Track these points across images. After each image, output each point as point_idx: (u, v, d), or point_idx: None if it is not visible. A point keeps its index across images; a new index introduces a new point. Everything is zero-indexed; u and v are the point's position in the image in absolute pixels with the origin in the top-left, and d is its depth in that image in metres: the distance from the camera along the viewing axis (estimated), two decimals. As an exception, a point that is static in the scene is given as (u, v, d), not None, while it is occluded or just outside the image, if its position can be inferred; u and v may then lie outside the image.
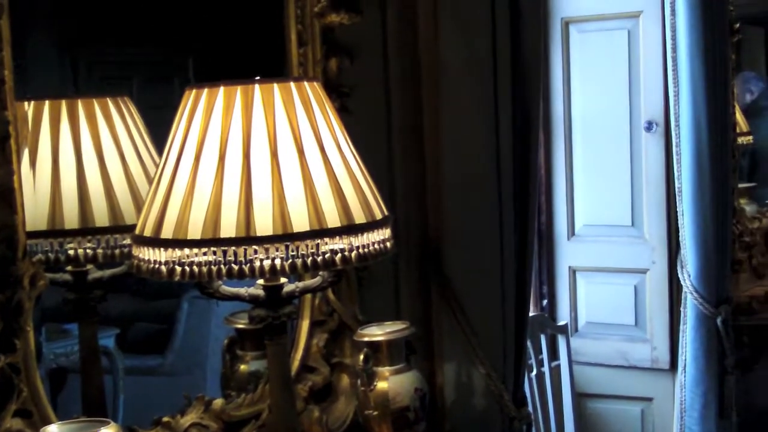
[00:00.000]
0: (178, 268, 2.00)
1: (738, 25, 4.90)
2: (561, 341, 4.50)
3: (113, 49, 2.82)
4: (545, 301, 4.94)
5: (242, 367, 2.78)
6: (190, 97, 2.12)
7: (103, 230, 2.37)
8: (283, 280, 2.20)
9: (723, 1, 4.09)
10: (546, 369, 4.36)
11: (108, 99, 2.43)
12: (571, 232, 4.86)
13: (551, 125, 4.83)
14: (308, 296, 2.83)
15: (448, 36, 3.20)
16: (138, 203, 2.36)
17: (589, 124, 4.77)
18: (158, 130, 2.22)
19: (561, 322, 4.68)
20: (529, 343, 4.10)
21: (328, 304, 2.89)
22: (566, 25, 4.78)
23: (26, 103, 2.35)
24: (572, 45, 4.79)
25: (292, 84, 2.12)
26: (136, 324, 2.98)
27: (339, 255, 2.05)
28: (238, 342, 2.79)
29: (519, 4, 3.20)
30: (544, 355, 4.36)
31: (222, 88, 2.08)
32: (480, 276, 3.25)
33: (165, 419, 2.48)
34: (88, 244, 2.37)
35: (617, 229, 4.74)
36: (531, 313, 4.25)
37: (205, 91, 2.09)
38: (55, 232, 2.34)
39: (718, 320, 4.05)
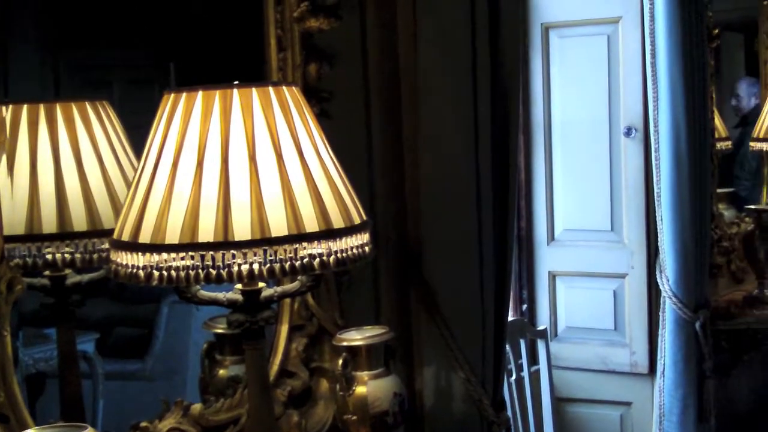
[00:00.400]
0: (156, 273, 2.00)
1: (717, 31, 4.93)
2: (540, 346, 4.51)
3: (94, 53, 2.82)
4: (525, 306, 4.95)
5: (221, 371, 2.78)
6: (168, 101, 2.12)
7: (81, 235, 2.36)
8: (261, 284, 2.20)
9: (702, 7, 4.11)
10: (525, 373, 4.37)
11: (87, 103, 2.43)
12: (551, 236, 4.87)
13: (531, 130, 4.84)
14: (287, 301, 2.83)
15: (428, 41, 3.21)
16: (116, 207, 2.36)
17: (568, 129, 4.79)
18: (139, 134, 2.21)
19: (540, 327, 4.69)
20: (508, 348, 4.12)
21: (308, 308, 2.89)
22: (546, 30, 4.79)
23: (4, 108, 2.34)
24: (552, 50, 4.80)
25: (270, 89, 2.12)
26: (116, 329, 2.97)
27: (317, 260, 2.05)
28: (217, 347, 2.79)
29: (498, 9, 3.22)
30: (524, 360, 4.37)
31: (200, 93, 2.07)
32: (459, 280, 3.26)
33: (143, 424, 2.47)
34: (66, 249, 2.36)
35: (596, 234, 4.75)
36: (511, 318, 4.27)
37: (184, 95, 2.09)
38: (32, 236, 2.34)
39: (697, 325, 4.06)
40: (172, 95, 2.11)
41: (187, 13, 2.88)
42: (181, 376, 2.99)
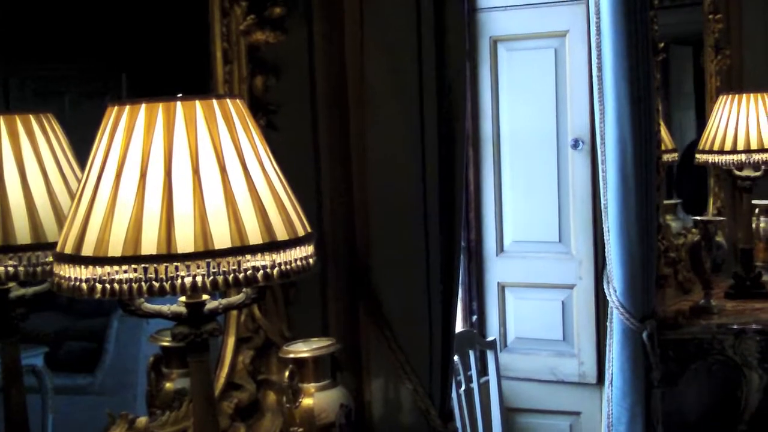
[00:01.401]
0: (99, 286, 1.99)
1: (662, 45, 4.99)
2: (490, 356, 4.54)
3: (46, 65, 2.80)
4: (475, 317, 4.98)
5: (167, 384, 2.76)
6: (111, 114, 2.11)
7: (24, 248, 2.34)
8: (205, 297, 2.20)
9: (647, 21, 4.16)
10: (475, 384, 4.39)
11: (31, 116, 2.41)
12: (500, 248, 4.90)
13: (480, 142, 4.88)
14: (234, 313, 2.83)
15: (374, 54, 3.23)
16: (60, 220, 2.35)
17: (517, 142, 4.83)
18: (91, 146, 2.20)
19: (490, 338, 4.71)
20: (458, 359, 4.14)
21: (254, 320, 2.89)
22: (494, 43, 4.84)
23: (-53, 121, 2.33)
24: (500, 63, 4.85)
25: (214, 101, 2.12)
26: (65, 342, 2.95)
27: (261, 272, 2.05)
28: (164, 360, 2.77)
29: (444, 22, 3.24)
30: (473, 371, 4.39)
31: (143, 105, 2.07)
32: (407, 292, 3.28)
33: (87, 438, 2.47)
34: (10, 262, 2.34)
35: (545, 246, 4.79)
36: (460, 329, 4.30)
37: (127, 108, 2.09)
38: (-25, 249, 2.32)
39: (644, 335, 4.10)
40: (116, 108, 2.11)
41: (139, 26, 2.87)
42: (131, 390, 2.97)
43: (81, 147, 2.45)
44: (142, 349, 2.95)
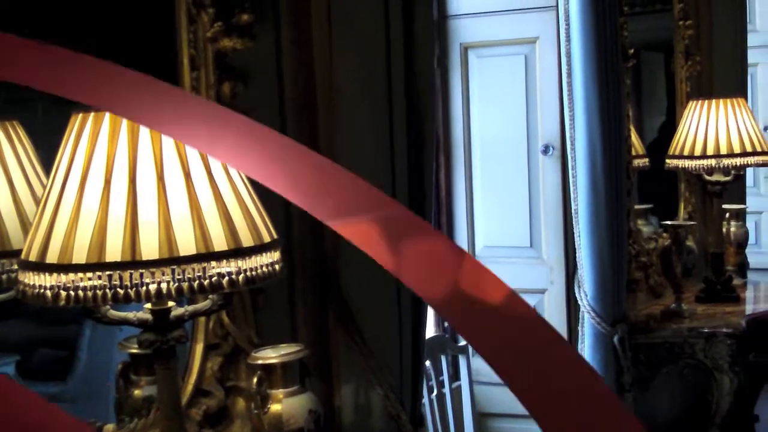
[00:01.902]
0: (63, 293, 1.99)
1: (632, 51, 5.02)
2: (462, 361, 4.54)
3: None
4: (446, 322, 4.98)
5: (136, 392, 2.76)
6: (76, 121, 2.11)
7: (-10, 256, 2.34)
8: (171, 303, 2.20)
9: (617, 27, 4.19)
10: (447, 389, 4.39)
11: (-5, 124, 2.41)
12: (472, 253, 4.92)
13: (451, 148, 4.90)
14: (202, 319, 2.82)
15: (343, 59, 3.23)
16: (26, 228, 2.34)
17: (488, 147, 4.85)
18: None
19: (462, 343, 4.72)
20: (429, 364, 4.14)
21: (223, 327, 2.89)
22: (465, 50, 4.86)
23: None
24: (471, 70, 4.87)
25: (179, 108, 2.12)
26: (37, 350, 2.94)
27: (226, 278, 2.05)
28: (132, 367, 2.77)
29: (413, 28, 3.26)
30: (445, 376, 4.40)
31: (108, 113, 2.08)
32: (376, 298, 3.28)
33: (54, 446, 2.45)
34: (-24, 271, 2.34)
35: (516, 251, 4.81)
36: (432, 334, 4.30)
37: (92, 115, 2.09)
38: (-60, 258, 2.31)
39: (615, 339, 4.12)
40: (80, 115, 2.10)
41: (108, 33, 2.87)
42: (103, 398, 2.96)
43: (53, 154, 2.45)
44: (114, 356, 2.93)
